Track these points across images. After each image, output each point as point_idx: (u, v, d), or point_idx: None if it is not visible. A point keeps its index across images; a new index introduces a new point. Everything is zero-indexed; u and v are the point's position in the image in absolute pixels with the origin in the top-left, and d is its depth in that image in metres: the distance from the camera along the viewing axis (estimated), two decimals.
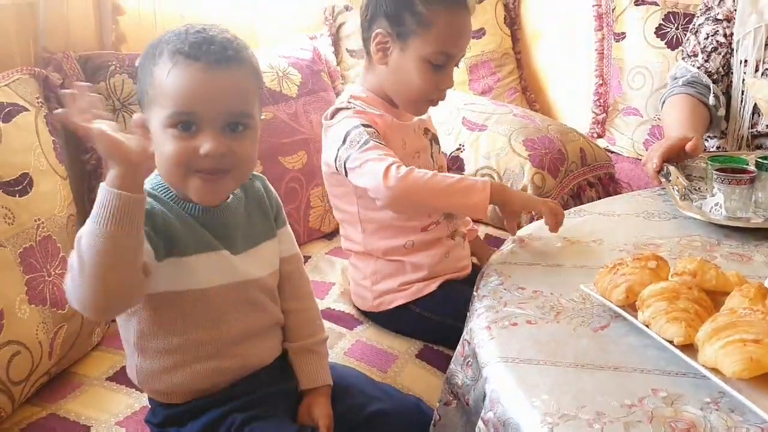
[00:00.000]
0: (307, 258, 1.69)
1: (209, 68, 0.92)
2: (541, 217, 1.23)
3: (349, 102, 1.34)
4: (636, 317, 0.90)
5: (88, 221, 0.82)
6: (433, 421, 1.04)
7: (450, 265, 1.39)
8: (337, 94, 1.96)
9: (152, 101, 0.95)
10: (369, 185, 1.24)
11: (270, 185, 1.12)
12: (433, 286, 1.37)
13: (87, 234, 0.82)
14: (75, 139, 1.46)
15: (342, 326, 1.42)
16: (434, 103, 1.36)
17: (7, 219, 1.15)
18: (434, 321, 1.35)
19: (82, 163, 1.48)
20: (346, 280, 1.59)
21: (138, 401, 1.17)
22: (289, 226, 1.14)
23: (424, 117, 1.42)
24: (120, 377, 1.23)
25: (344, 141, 1.27)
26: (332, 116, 1.34)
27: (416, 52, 1.29)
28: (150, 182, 0.99)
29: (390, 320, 1.41)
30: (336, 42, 2.13)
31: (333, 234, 1.83)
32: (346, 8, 2.20)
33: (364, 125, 1.27)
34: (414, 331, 1.40)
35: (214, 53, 0.93)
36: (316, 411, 1.05)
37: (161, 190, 0.98)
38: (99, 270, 0.82)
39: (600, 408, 0.78)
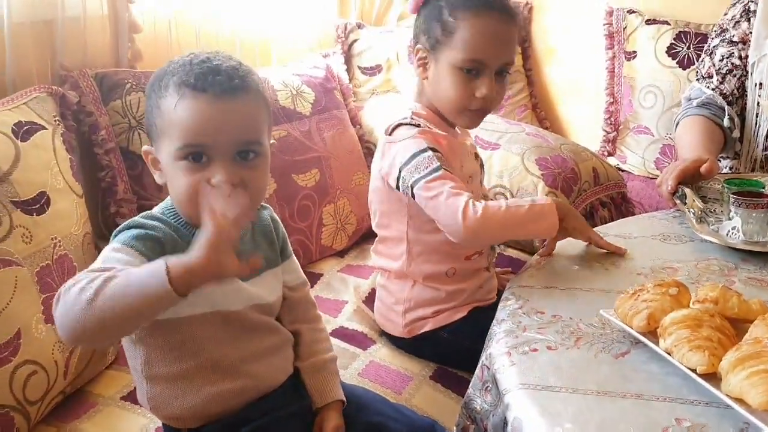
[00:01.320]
0: (319, 276, 1.69)
1: (216, 99, 0.92)
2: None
3: (413, 118, 1.31)
4: (657, 344, 0.90)
5: (132, 278, 0.80)
6: None
7: (481, 297, 1.39)
8: (350, 112, 1.97)
9: (161, 134, 0.95)
10: (444, 221, 1.22)
11: (277, 216, 1.12)
12: (462, 312, 1.36)
13: (122, 285, 0.80)
14: (90, 156, 1.47)
15: (355, 346, 1.41)
16: (478, 114, 1.32)
17: (24, 238, 1.16)
18: (463, 346, 1.31)
19: (98, 181, 1.48)
20: (359, 298, 1.58)
21: (152, 422, 1.16)
22: (294, 255, 1.13)
23: (472, 141, 1.40)
24: (134, 396, 1.22)
25: (409, 162, 1.25)
26: (392, 131, 1.31)
27: (447, 60, 1.28)
28: (161, 207, 1.00)
29: (415, 345, 1.39)
30: (348, 59, 2.15)
31: (345, 251, 1.84)
32: (359, 26, 2.21)
33: (432, 149, 1.25)
34: (440, 356, 1.38)
35: (220, 83, 0.92)
36: (325, 425, 1.05)
37: (171, 216, 0.97)
38: (117, 317, 0.81)
39: None
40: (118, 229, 0.94)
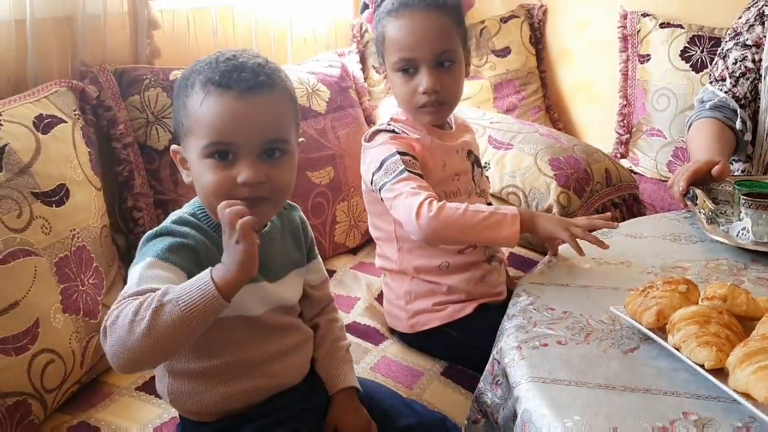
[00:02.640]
0: (332, 273, 1.71)
1: (242, 96, 0.92)
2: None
3: (389, 124, 1.35)
4: (666, 340, 0.91)
5: (182, 303, 0.81)
6: None
7: (486, 290, 1.38)
8: (365, 111, 1.99)
9: (188, 132, 0.96)
10: (402, 219, 1.26)
11: (306, 219, 1.13)
12: (468, 309, 1.36)
13: (175, 313, 0.80)
14: (108, 150, 1.49)
15: (368, 341, 1.43)
16: (434, 109, 1.32)
17: (44, 229, 1.18)
18: (470, 345, 1.32)
19: (115, 175, 1.50)
20: (372, 294, 1.60)
21: (167, 412, 1.18)
22: (318, 255, 1.15)
23: (467, 138, 1.42)
24: (149, 387, 1.25)
25: (380, 167, 1.29)
26: (371, 138, 1.36)
27: (389, 67, 1.34)
28: (191, 207, 0.99)
29: (424, 343, 1.40)
30: (363, 58, 2.16)
31: (358, 249, 1.85)
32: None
33: (400, 153, 1.28)
34: (449, 355, 1.39)
35: (245, 80, 0.92)
36: (345, 418, 1.05)
37: (202, 218, 0.97)
38: (175, 342, 0.83)
39: (631, 430, 0.78)
40: (148, 234, 0.93)
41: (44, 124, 1.26)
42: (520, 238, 1.24)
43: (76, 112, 1.36)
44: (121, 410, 1.21)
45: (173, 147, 1.02)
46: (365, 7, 1.40)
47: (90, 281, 1.24)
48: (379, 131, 1.36)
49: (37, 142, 1.23)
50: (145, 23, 1.64)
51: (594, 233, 1.24)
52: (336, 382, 1.09)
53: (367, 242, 1.88)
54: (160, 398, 1.19)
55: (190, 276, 0.86)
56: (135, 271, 0.88)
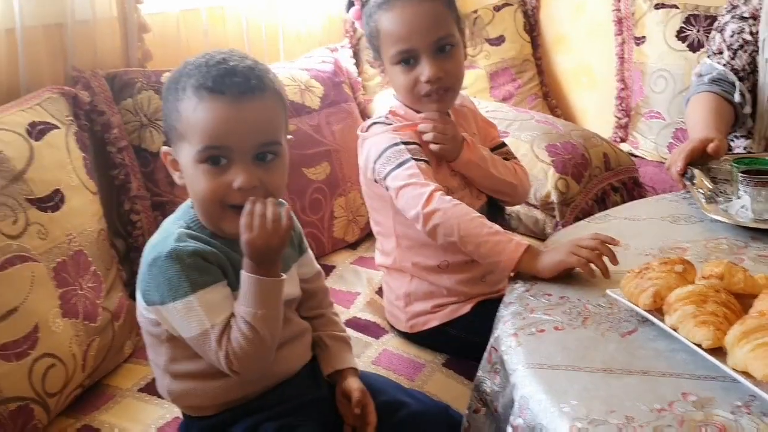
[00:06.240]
0: (331, 268, 1.71)
1: (235, 101, 0.93)
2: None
3: (387, 117, 1.34)
4: (663, 321, 0.90)
5: (263, 313, 0.93)
6: (462, 429, 1.04)
7: (485, 289, 1.35)
8: (359, 105, 1.98)
9: (181, 137, 0.96)
10: (407, 208, 1.23)
11: (292, 213, 1.13)
12: (467, 307, 1.34)
13: (267, 322, 0.94)
14: (104, 155, 1.49)
15: (368, 335, 1.42)
16: (438, 96, 1.30)
17: (40, 234, 1.18)
18: (470, 341, 1.27)
19: (111, 179, 1.50)
20: (372, 289, 1.60)
21: (170, 412, 1.18)
22: (309, 249, 1.16)
23: (466, 129, 1.39)
24: (151, 388, 1.24)
25: (380, 156, 1.27)
26: (368, 129, 1.35)
27: (387, 60, 1.32)
28: (184, 220, 0.99)
29: (424, 341, 1.39)
30: (357, 53, 2.15)
31: (357, 244, 1.85)
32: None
33: (405, 143, 1.27)
34: (449, 351, 1.38)
35: (237, 85, 0.93)
36: (348, 384, 1.07)
37: (197, 229, 0.98)
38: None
39: (629, 413, 0.77)
40: (160, 255, 0.94)
41: (37, 131, 1.26)
42: (516, 270, 1.12)
43: (69, 118, 1.36)
44: (124, 412, 1.21)
45: (164, 149, 1.02)
46: (351, 4, 1.39)
47: (89, 285, 1.25)
48: (376, 123, 1.34)
49: (30, 149, 1.23)
50: (135, 27, 1.64)
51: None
52: (338, 363, 1.10)
53: (367, 237, 1.87)
54: (162, 399, 1.20)
55: (227, 278, 0.96)
56: (192, 309, 0.93)
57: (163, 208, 1.52)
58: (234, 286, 0.96)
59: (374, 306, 1.54)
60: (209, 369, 0.98)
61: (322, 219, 1.76)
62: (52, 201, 1.22)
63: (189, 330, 0.94)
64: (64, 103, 1.38)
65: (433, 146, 1.30)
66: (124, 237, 1.52)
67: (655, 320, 0.91)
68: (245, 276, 0.94)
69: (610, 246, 1.09)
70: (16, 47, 1.42)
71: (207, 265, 0.95)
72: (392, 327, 1.45)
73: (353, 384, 1.07)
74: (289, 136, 1.03)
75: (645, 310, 0.93)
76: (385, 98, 2.08)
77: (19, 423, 1.08)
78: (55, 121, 1.32)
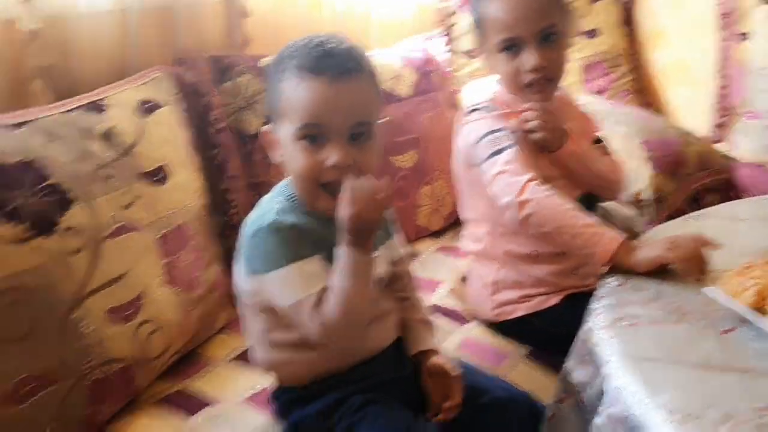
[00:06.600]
0: (415, 256, 1.72)
1: (333, 81, 0.97)
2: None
3: (489, 103, 1.34)
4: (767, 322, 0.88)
5: (350, 281, 0.96)
6: (546, 418, 1.04)
7: (576, 282, 1.33)
8: (449, 95, 1.98)
9: (281, 115, 1.01)
10: (501, 195, 1.23)
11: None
12: (556, 299, 1.33)
13: (355, 296, 0.96)
14: (203, 135, 1.55)
15: (451, 323, 1.43)
16: (539, 86, 1.30)
17: (147, 207, 1.24)
18: (559, 334, 1.22)
19: (210, 159, 1.56)
20: (455, 278, 1.60)
21: (260, 382, 1.21)
22: (398, 233, 1.19)
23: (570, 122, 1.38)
24: (243, 359, 1.29)
25: (480, 140, 1.28)
26: (468, 113, 1.36)
27: (490, 48, 1.31)
28: (283, 196, 1.04)
29: (509, 330, 1.38)
30: (449, 42, 2.16)
31: (441, 232, 1.86)
32: (459, 9, 2.22)
33: (505, 130, 1.27)
34: (534, 343, 1.37)
35: (336, 66, 0.98)
36: (437, 360, 1.10)
37: (295, 205, 1.03)
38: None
39: (728, 410, 0.76)
40: (261, 228, 0.99)
41: (146, 108, 1.33)
42: (611, 263, 1.10)
43: (175, 97, 1.42)
44: (217, 380, 1.26)
45: (264, 128, 1.06)
46: None
47: (189, 257, 1.30)
48: (477, 109, 1.34)
49: (140, 124, 1.29)
50: (237, 11, 1.70)
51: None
52: (423, 344, 1.12)
53: (451, 226, 1.88)
54: (254, 369, 1.25)
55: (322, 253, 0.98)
56: (285, 278, 0.97)
57: (258, 189, 1.56)
58: (329, 260, 0.99)
59: (457, 295, 1.54)
60: (302, 340, 1.01)
61: (407, 207, 1.78)
62: (158, 175, 1.28)
63: (284, 299, 0.98)
64: (171, 82, 1.44)
65: (535, 135, 1.30)
66: (221, 215, 1.58)
67: (756, 319, 0.89)
68: (341, 250, 0.97)
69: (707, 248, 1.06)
70: (128, 28, 1.49)
71: (304, 239, 0.99)
72: (476, 316, 1.45)
73: (442, 359, 1.10)
74: (386, 118, 1.05)
75: (745, 309, 0.91)
76: (475, 89, 2.08)
77: (122, 383, 1.15)
78: (163, 100, 1.38)
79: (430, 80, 1.93)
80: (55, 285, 1.07)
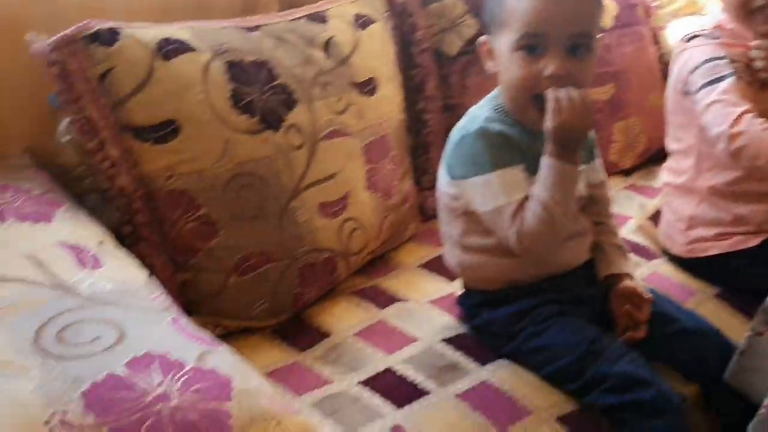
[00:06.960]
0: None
1: None
2: None
3: (713, 30, 1.31)
4: None
5: (551, 193, 0.99)
6: (739, 350, 1.03)
7: None
8: (652, 30, 1.91)
9: (502, 25, 1.03)
10: (714, 125, 1.21)
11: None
12: (755, 240, 1.29)
13: (557, 204, 0.99)
14: (407, 53, 1.61)
15: (639, 256, 1.42)
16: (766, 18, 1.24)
17: (357, 115, 1.33)
18: (755, 274, 1.24)
19: (410, 78, 1.62)
20: (644, 215, 1.58)
21: (446, 289, 1.29)
22: (599, 157, 1.19)
23: None
24: (432, 265, 1.37)
25: (699, 67, 1.25)
26: (689, 39, 1.32)
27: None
28: (491, 106, 1.07)
29: (699, 268, 1.35)
30: None
31: (631, 171, 1.82)
32: None
33: (727, 58, 1.24)
34: (725, 283, 1.33)
35: None
36: (629, 283, 1.11)
37: (503, 115, 1.06)
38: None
39: None
40: (470, 134, 1.04)
41: (361, 23, 1.40)
42: None
43: (386, 14, 1.49)
44: (405, 282, 1.35)
45: (481, 38, 1.10)
46: None
47: (389, 166, 1.39)
48: (699, 35, 1.31)
49: (356, 37, 1.37)
50: None
51: None
52: (617, 268, 1.14)
53: (642, 165, 1.83)
54: (442, 276, 1.32)
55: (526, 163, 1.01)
56: (488, 185, 1.02)
57: (453, 111, 1.61)
58: (532, 172, 1.02)
59: (646, 231, 1.52)
60: (498, 245, 1.06)
61: (599, 141, 1.73)
62: (368, 86, 1.37)
63: (485, 204, 1.02)
64: (382, 0, 1.51)
65: (762, 75, 1.24)
66: (415, 133, 1.64)
67: None
68: (546, 160, 0.99)
69: None
70: None
71: (510, 147, 1.02)
72: (665, 251, 1.43)
73: (634, 283, 1.11)
74: (600, 35, 1.05)
75: None
76: (681, 26, 1.98)
77: (326, 271, 1.26)
78: (376, 15, 1.45)
79: (634, 13, 1.86)
80: (279, 175, 1.19)
